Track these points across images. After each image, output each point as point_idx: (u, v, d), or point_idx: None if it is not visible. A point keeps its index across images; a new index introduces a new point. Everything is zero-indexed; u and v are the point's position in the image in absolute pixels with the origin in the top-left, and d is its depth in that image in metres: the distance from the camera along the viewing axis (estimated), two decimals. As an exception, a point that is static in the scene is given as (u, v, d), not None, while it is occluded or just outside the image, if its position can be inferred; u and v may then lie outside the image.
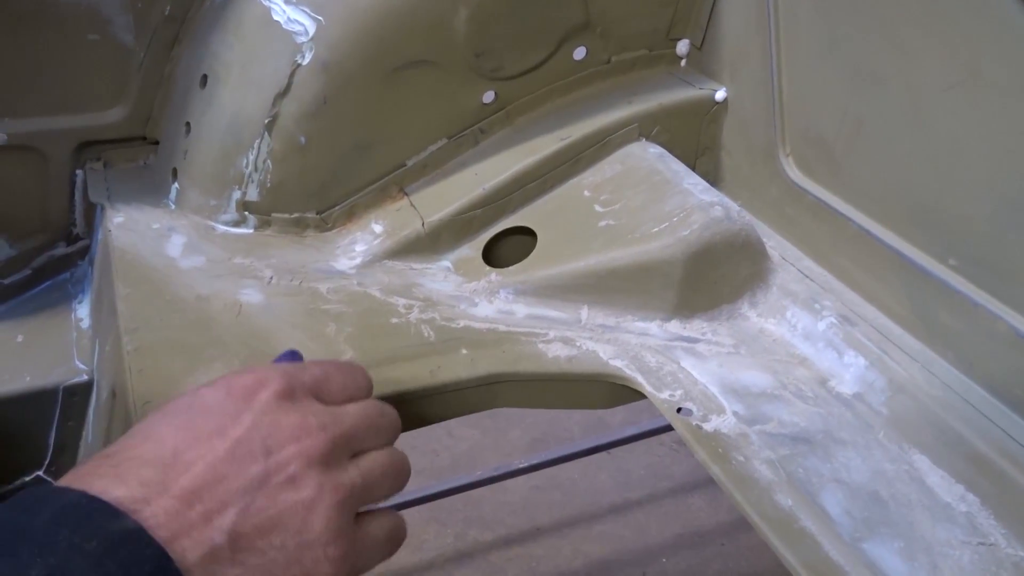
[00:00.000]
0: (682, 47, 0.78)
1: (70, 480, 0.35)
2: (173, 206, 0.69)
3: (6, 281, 0.72)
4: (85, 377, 0.66)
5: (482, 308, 0.63)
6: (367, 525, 0.42)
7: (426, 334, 0.59)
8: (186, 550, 0.34)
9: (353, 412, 0.43)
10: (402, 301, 0.62)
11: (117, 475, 0.35)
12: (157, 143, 0.73)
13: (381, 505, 0.44)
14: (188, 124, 0.69)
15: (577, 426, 1.83)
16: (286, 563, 0.37)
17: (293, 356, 0.49)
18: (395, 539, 0.43)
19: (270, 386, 0.40)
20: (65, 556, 0.31)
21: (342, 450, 0.41)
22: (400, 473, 0.44)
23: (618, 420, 1.75)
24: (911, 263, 0.60)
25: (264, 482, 0.37)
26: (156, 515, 0.34)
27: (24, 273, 0.73)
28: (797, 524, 0.48)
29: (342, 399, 0.44)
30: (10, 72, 0.66)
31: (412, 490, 1.49)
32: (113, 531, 0.32)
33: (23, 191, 0.71)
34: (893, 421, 0.56)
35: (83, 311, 0.72)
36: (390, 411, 0.46)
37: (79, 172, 0.72)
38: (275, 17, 0.65)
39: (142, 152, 0.73)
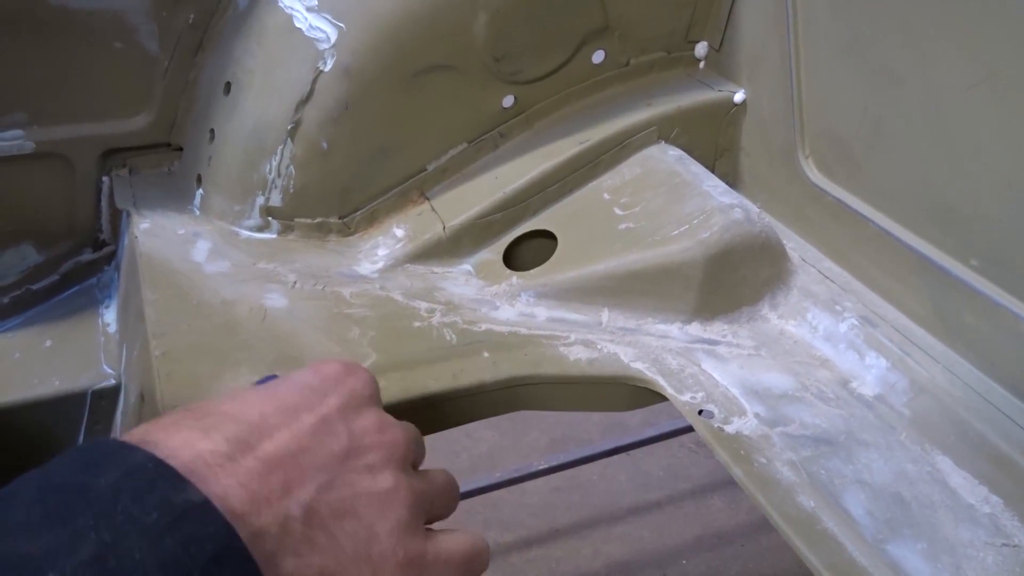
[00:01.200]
0: (700, 49, 0.78)
1: (149, 430, 0.33)
2: (198, 212, 0.70)
3: (34, 287, 0.73)
4: (113, 381, 0.67)
5: (503, 311, 0.64)
6: (442, 541, 0.39)
7: (448, 337, 0.60)
8: (262, 515, 0.32)
9: (410, 428, 0.42)
10: (424, 305, 0.63)
11: (203, 428, 0.33)
12: (181, 149, 0.74)
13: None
14: (212, 130, 0.70)
15: (596, 428, 1.83)
16: (354, 555, 0.34)
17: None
18: (473, 565, 0.41)
19: (359, 377, 0.40)
20: (121, 531, 0.28)
21: (411, 458, 0.40)
22: (455, 492, 0.44)
23: (637, 421, 1.75)
24: (932, 264, 0.60)
25: (345, 463, 0.36)
26: (238, 474, 0.32)
27: (52, 279, 0.74)
28: (820, 525, 0.48)
29: None
30: (37, 81, 0.67)
31: (432, 491, 1.49)
32: (176, 504, 0.30)
33: (50, 198, 0.72)
34: (915, 422, 0.56)
35: (110, 316, 0.73)
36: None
37: (105, 179, 0.73)
38: (297, 24, 0.65)
39: (167, 158, 0.74)
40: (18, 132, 0.68)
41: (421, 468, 0.43)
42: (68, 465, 0.30)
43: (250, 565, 0.30)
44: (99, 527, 0.28)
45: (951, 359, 0.60)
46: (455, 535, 0.41)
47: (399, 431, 0.40)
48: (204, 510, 0.30)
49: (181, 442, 0.32)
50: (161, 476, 0.30)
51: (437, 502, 0.41)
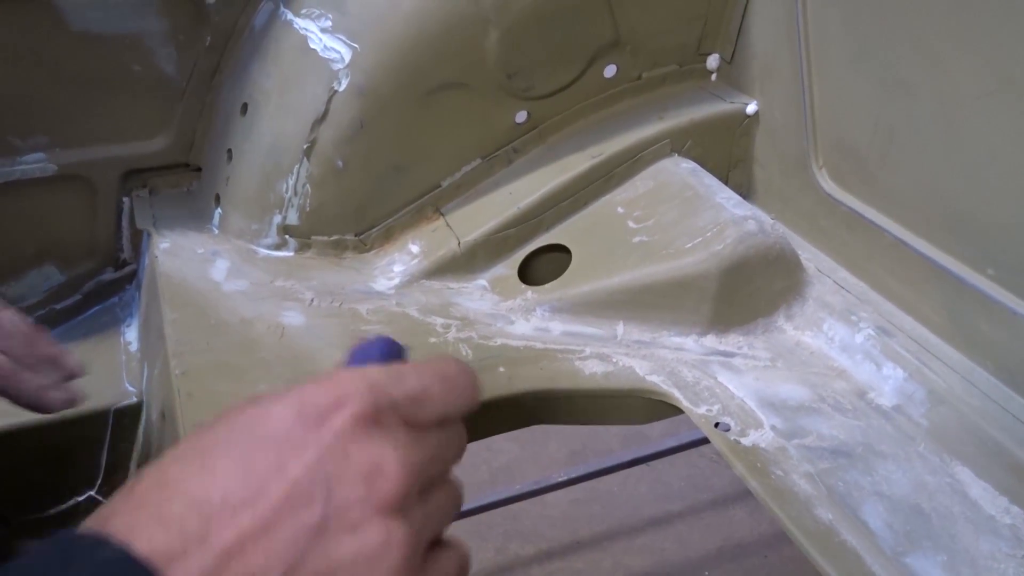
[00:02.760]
0: (712, 62, 0.78)
1: (113, 515, 0.33)
2: (216, 231, 0.71)
3: (58, 306, 0.75)
4: (135, 399, 0.68)
5: (519, 326, 0.64)
6: (436, 565, 0.36)
7: (464, 353, 0.60)
8: None
9: (439, 443, 0.37)
10: (440, 320, 0.63)
11: (161, 518, 0.32)
12: (200, 170, 0.75)
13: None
14: (230, 151, 0.71)
15: (615, 439, 1.82)
16: None
17: (389, 349, 0.40)
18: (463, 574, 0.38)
19: (348, 407, 0.34)
20: None
21: (418, 490, 0.36)
22: (457, 505, 0.40)
23: (657, 432, 1.74)
24: (948, 273, 0.60)
25: (321, 531, 0.33)
26: (190, 572, 0.31)
27: (74, 298, 0.76)
28: (838, 538, 0.48)
29: (436, 421, 0.37)
30: (59, 104, 0.68)
31: (452, 504, 1.50)
32: None
33: (73, 219, 0.74)
34: (933, 433, 0.56)
35: (131, 335, 0.74)
36: (465, 436, 0.40)
37: (125, 199, 0.74)
38: (312, 45, 0.66)
39: (185, 179, 0.76)
40: (41, 155, 0.69)
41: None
42: (44, 562, 0.31)
43: None
44: None
45: (969, 369, 0.59)
46: (447, 553, 0.38)
47: (395, 470, 0.34)
48: None
49: (140, 535, 0.32)
50: (129, 571, 0.30)
51: (438, 527, 0.38)
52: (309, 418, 0.34)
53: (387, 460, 0.34)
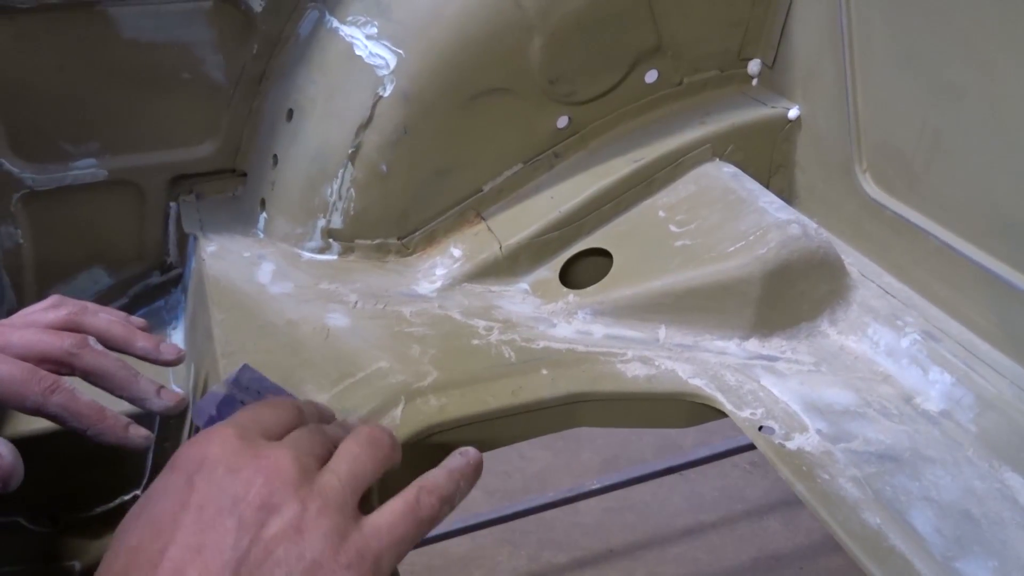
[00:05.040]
0: (753, 67, 0.78)
1: None
2: (262, 235, 0.72)
3: (106, 309, 0.76)
4: (181, 400, 0.69)
5: (561, 329, 0.64)
6: (372, 517, 0.38)
7: (507, 355, 0.61)
8: None
9: (297, 434, 0.41)
10: (482, 323, 0.64)
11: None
12: (245, 175, 0.76)
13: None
14: (275, 156, 0.72)
15: (648, 448, 1.81)
16: None
17: (239, 378, 0.46)
18: (414, 512, 0.39)
19: (215, 440, 0.38)
20: None
21: (308, 461, 0.39)
22: (376, 443, 0.42)
23: (690, 441, 1.73)
24: (996, 277, 0.59)
25: (244, 528, 0.35)
26: None
27: (122, 301, 0.77)
28: (886, 543, 0.48)
29: (284, 431, 0.42)
30: (110, 111, 0.70)
31: (485, 512, 1.50)
32: None
33: (121, 224, 0.75)
34: (982, 438, 0.55)
35: (177, 337, 0.75)
36: (326, 418, 0.46)
37: (172, 204, 0.76)
38: (357, 52, 0.67)
39: (231, 184, 0.77)
40: (92, 161, 0.71)
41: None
42: None
43: None
44: None
45: (1018, 373, 0.59)
46: (387, 504, 0.39)
47: (279, 453, 0.38)
48: None
49: None
50: None
51: (358, 473, 0.40)
52: (185, 465, 0.38)
53: (265, 451, 0.39)
